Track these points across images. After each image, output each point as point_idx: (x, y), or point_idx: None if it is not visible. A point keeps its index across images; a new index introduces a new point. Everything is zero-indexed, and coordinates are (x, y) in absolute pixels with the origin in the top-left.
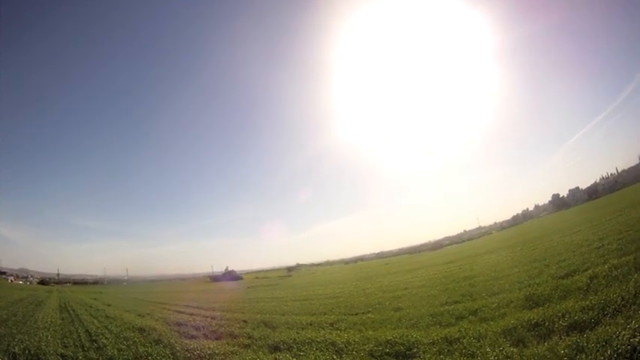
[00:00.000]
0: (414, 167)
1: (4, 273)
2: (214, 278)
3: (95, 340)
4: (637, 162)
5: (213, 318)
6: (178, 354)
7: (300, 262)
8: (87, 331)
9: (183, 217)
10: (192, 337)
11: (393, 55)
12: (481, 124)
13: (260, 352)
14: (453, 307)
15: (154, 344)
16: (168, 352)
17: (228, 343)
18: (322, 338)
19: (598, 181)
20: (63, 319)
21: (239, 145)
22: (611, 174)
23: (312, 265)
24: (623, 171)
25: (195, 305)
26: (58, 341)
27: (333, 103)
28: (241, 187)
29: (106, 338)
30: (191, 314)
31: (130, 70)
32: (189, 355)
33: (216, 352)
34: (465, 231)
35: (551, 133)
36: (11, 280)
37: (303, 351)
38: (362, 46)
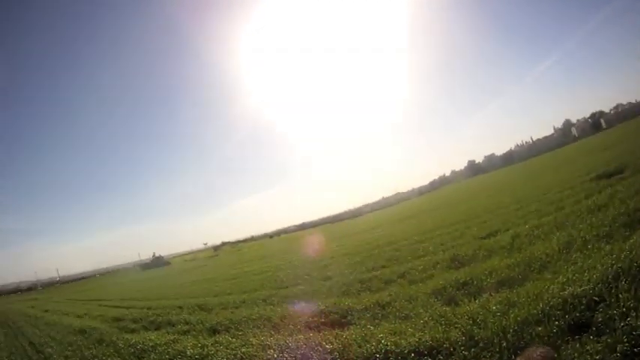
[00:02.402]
0: (329, 139)
1: None
2: (144, 266)
3: (41, 351)
4: (551, 132)
5: (149, 308)
6: (122, 351)
7: (225, 240)
8: (31, 342)
9: (99, 208)
10: (133, 330)
11: (307, 23)
12: (397, 97)
13: (200, 337)
14: (380, 272)
15: (97, 344)
16: (112, 351)
17: (167, 332)
18: (257, 315)
19: (513, 148)
20: (5, 334)
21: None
22: (526, 142)
23: (237, 241)
24: (538, 140)
25: (130, 297)
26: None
27: (243, 76)
28: (157, 171)
29: (51, 347)
30: (127, 307)
31: None
32: (132, 350)
33: (158, 342)
34: (383, 198)
35: (466, 102)
36: None
37: (242, 330)
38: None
